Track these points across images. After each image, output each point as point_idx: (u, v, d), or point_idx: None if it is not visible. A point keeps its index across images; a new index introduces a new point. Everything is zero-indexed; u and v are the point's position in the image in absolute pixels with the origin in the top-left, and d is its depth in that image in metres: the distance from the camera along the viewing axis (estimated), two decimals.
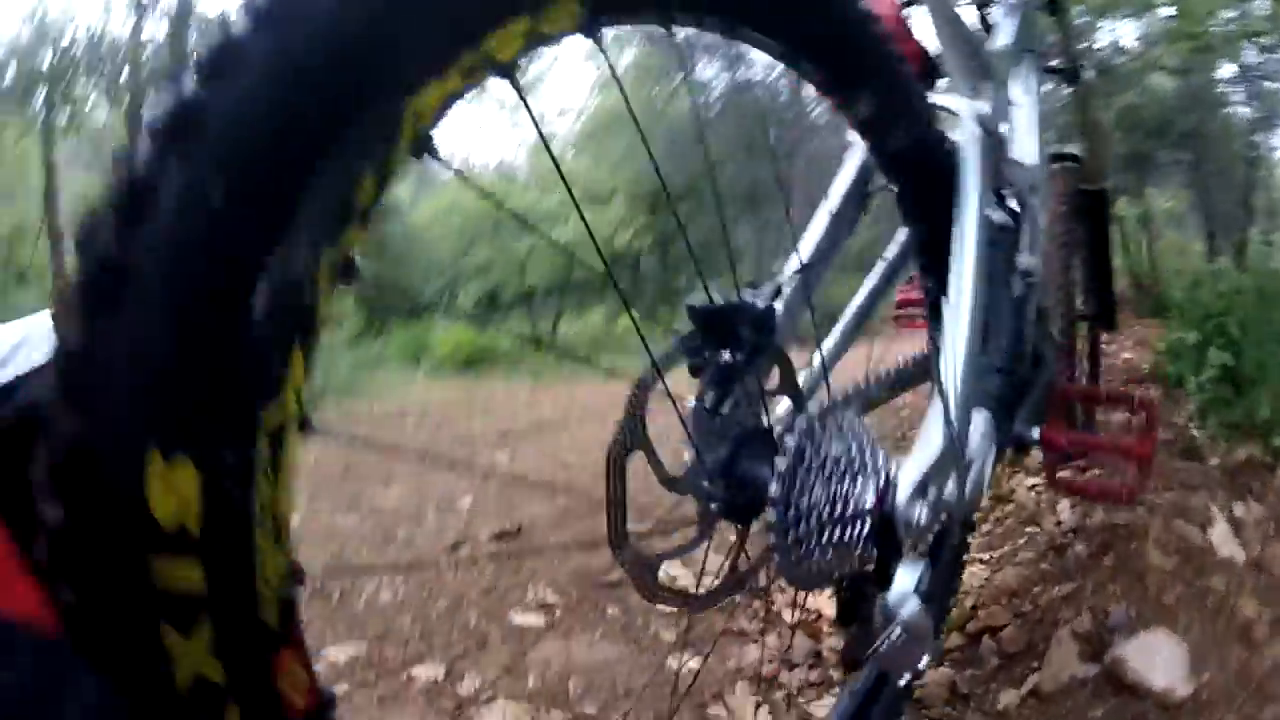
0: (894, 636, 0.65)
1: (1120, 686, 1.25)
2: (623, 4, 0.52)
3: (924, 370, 1.03)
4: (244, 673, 0.38)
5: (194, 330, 0.35)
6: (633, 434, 0.64)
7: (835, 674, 1.52)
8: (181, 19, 10.59)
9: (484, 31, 0.43)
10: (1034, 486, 2.19)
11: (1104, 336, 2.62)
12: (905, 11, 1.16)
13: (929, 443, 0.75)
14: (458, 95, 0.43)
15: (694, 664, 1.56)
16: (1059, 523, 1.90)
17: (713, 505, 0.72)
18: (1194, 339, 3.22)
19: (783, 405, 0.81)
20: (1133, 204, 11.97)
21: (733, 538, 0.77)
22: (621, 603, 1.84)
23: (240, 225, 0.36)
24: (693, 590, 0.73)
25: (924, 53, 1.14)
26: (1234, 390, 2.81)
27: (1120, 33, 9.21)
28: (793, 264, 0.91)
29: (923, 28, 1.13)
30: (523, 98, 0.50)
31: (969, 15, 1.53)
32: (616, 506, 0.64)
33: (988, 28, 1.54)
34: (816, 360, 0.95)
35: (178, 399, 0.35)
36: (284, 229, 0.37)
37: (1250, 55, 9.04)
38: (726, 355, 0.70)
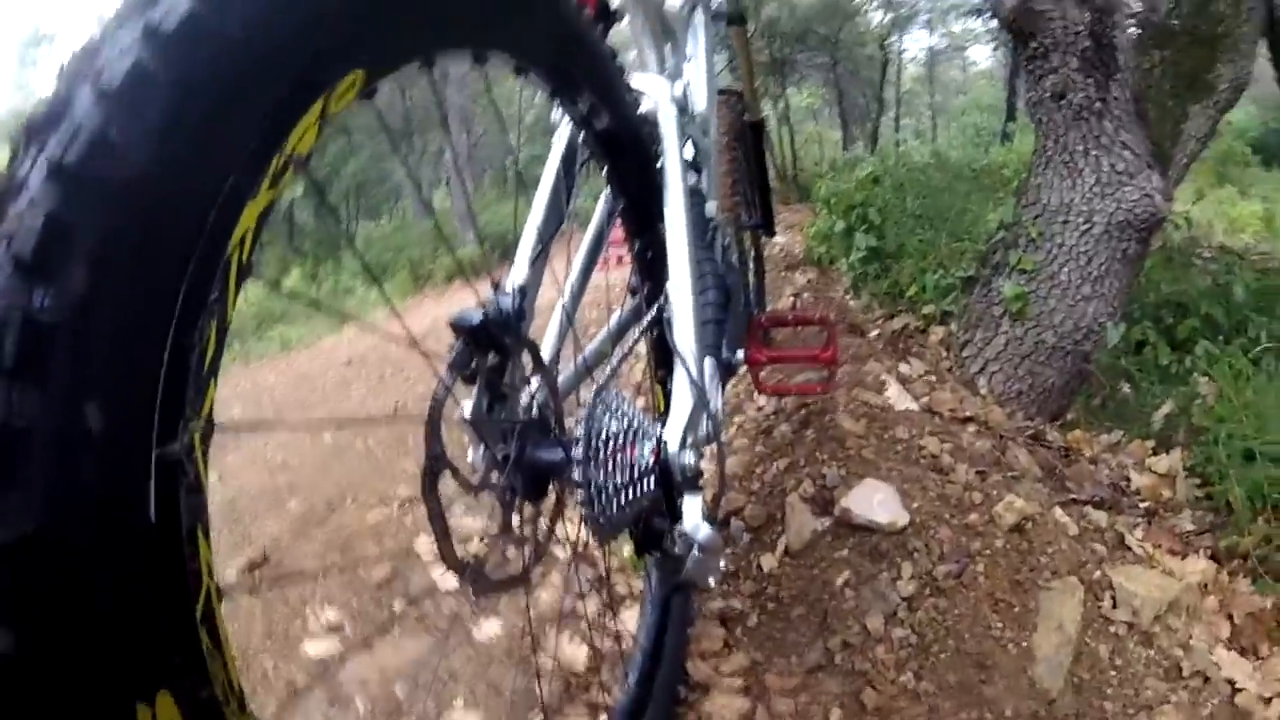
0: (697, 557, 0.79)
1: (854, 528, 1.53)
2: (392, 57, 0.54)
3: (634, 319, 1.17)
4: None
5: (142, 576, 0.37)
6: (437, 457, 0.69)
7: (621, 590, 1.67)
8: None
9: (285, 132, 0.44)
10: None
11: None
12: None
13: (682, 401, 0.89)
14: (271, 208, 0.44)
15: (497, 627, 1.64)
16: (760, 408, 2.18)
17: (510, 495, 0.80)
18: (841, 226, 3.81)
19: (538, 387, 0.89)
20: (775, 103, 13.47)
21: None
22: (401, 594, 1.82)
23: (120, 440, 0.36)
24: (514, 572, 0.81)
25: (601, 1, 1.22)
26: (881, 266, 3.41)
27: None
28: (526, 252, 0.96)
29: None
30: (320, 188, 0.51)
31: None
32: (437, 524, 0.69)
33: None
34: (555, 331, 1.02)
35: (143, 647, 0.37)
36: (159, 428, 0.37)
37: None
38: (491, 359, 0.77)
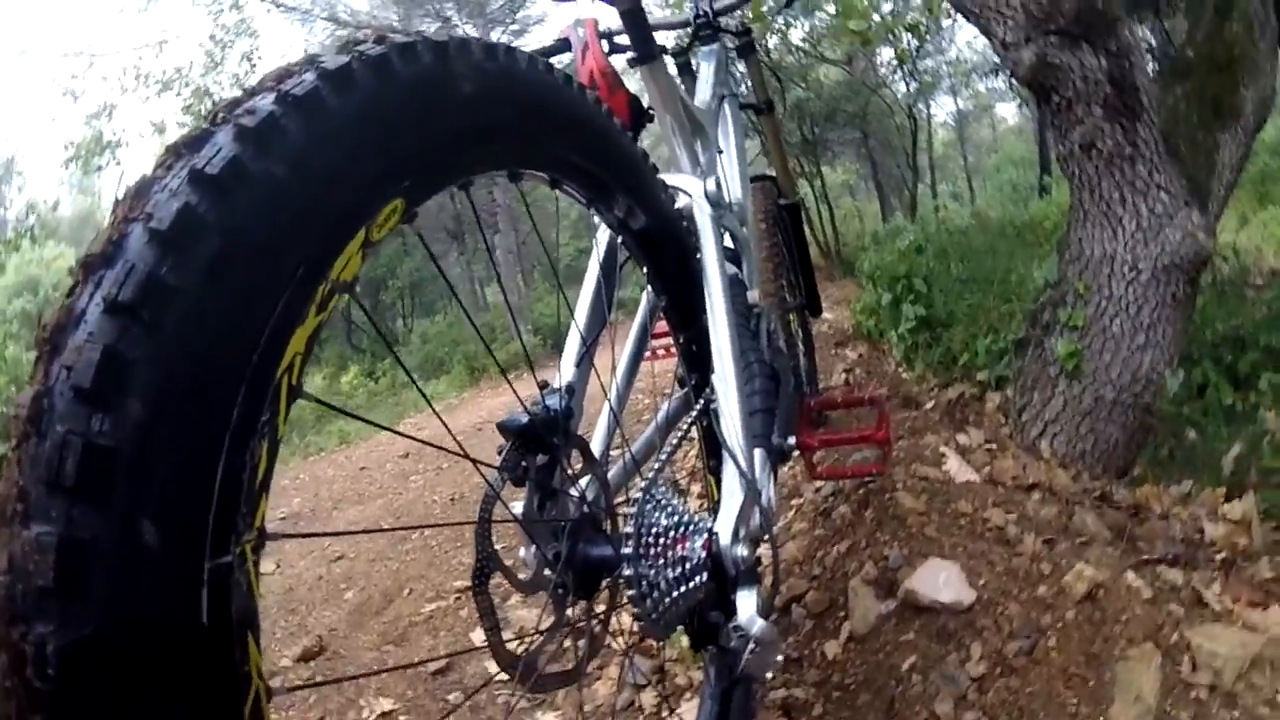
0: (753, 651, 0.78)
1: (919, 610, 1.48)
2: (430, 184, 0.58)
3: (683, 410, 1.18)
4: None
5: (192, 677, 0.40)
6: (488, 558, 0.70)
7: (680, 680, 1.64)
8: None
9: (330, 262, 0.48)
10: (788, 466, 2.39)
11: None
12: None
13: (732, 493, 0.89)
14: (319, 331, 0.48)
15: (553, 718, 1.62)
16: (818, 490, 2.14)
17: (563, 592, 0.80)
18: (888, 299, 3.78)
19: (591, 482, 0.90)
20: (810, 183, 13.66)
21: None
22: (458, 685, 1.82)
23: (176, 553, 0.39)
24: (567, 667, 0.81)
25: (633, 100, 1.28)
26: (931, 336, 3.37)
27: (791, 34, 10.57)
28: (571, 353, 0.99)
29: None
30: (367, 313, 0.55)
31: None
32: (488, 621, 0.70)
33: (690, 74, 1.74)
34: (604, 427, 1.04)
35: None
36: (212, 541, 0.40)
37: (906, 41, 10.82)
38: (541, 459, 0.79)
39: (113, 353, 0.38)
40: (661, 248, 1.02)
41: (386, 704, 1.79)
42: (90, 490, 0.37)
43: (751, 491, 0.90)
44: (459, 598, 2.31)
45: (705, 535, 0.81)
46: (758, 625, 0.79)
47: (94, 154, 11.68)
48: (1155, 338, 2.23)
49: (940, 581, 1.48)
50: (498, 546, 0.76)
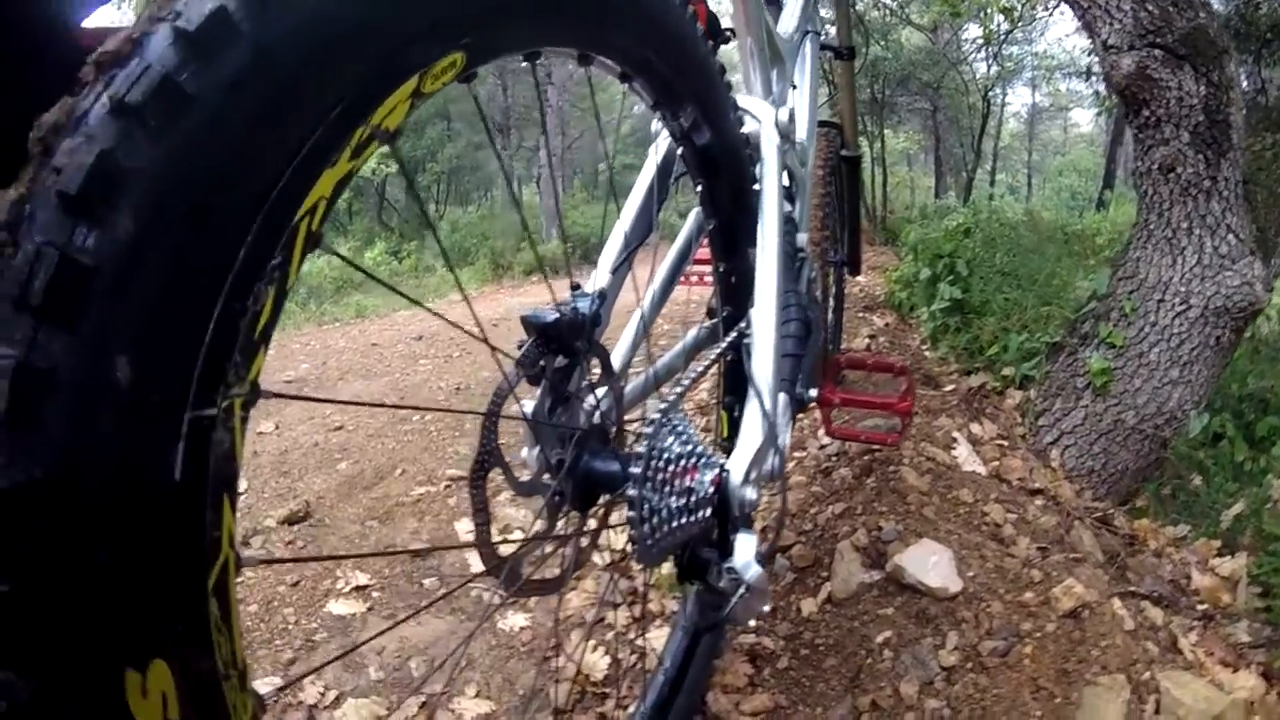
0: (742, 596, 0.76)
1: (902, 587, 1.47)
2: (497, 45, 0.53)
3: (710, 340, 1.15)
4: None
5: (153, 537, 0.35)
6: (490, 452, 0.68)
7: (654, 606, 1.65)
8: None
9: (374, 104, 0.43)
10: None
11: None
12: None
13: (751, 434, 0.86)
14: (349, 178, 0.43)
15: (523, 621, 1.64)
16: (822, 447, 2.13)
17: (559, 499, 0.78)
18: (927, 275, 3.71)
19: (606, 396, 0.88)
20: (871, 144, 13.30)
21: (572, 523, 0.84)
22: (434, 572, 1.84)
23: (151, 397, 0.34)
24: (549, 576, 0.80)
25: (711, 17, 1.21)
26: (962, 320, 3.31)
27: None
28: (609, 258, 0.96)
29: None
30: (402, 164, 0.51)
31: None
32: (479, 518, 0.68)
33: (777, 2, 1.66)
34: (628, 342, 1.01)
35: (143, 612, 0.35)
36: (196, 389, 0.36)
37: (996, 23, 10.40)
38: (559, 361, 0.76)
39: (108, 158, 0.33)
40: (720, 169, 0.96)
41: (363, 578, 1.82)
42: (60, 312, 0.32)
43: (771, 435, 0.87)
44: (449, 486, 2.33)
45: (716, 471, 0.78)
46: (753, 571, 0.77)
47: None
48: (1189, 376, 2.19)
49: (930, 564, 1.46)
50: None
